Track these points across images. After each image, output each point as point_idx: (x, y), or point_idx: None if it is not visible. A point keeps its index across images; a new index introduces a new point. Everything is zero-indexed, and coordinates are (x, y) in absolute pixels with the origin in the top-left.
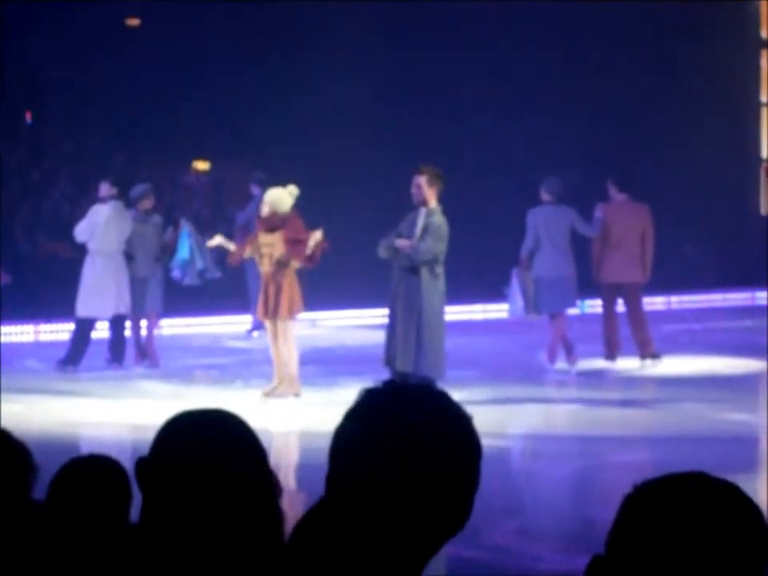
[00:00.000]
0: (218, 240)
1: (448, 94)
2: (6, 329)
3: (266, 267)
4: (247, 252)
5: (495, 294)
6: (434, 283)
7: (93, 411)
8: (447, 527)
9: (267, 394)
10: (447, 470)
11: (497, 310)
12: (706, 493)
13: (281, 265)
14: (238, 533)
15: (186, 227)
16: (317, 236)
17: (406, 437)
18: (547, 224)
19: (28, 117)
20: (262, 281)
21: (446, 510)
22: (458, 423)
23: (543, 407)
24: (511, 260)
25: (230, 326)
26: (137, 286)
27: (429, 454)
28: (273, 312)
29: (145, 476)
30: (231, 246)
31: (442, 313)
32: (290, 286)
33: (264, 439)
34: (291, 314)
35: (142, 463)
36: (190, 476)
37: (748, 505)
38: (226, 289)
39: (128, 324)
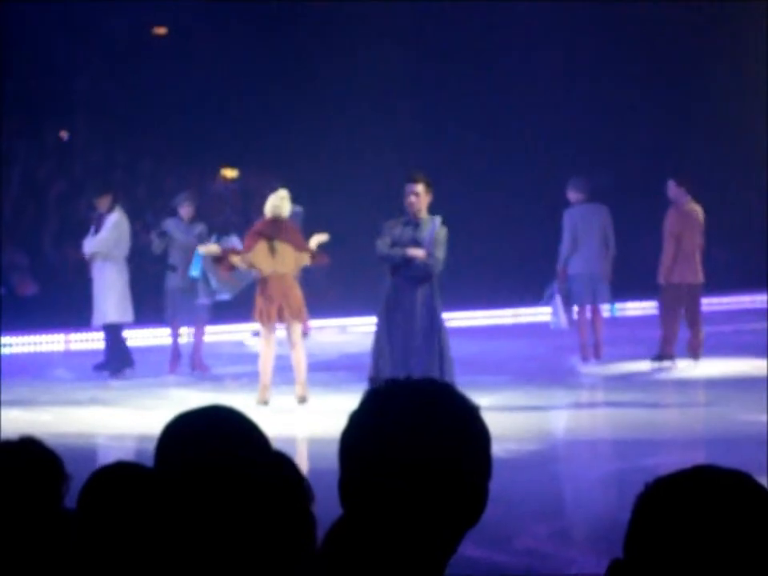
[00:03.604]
0: (212, 248)
1: (476, 100)
2: (36, 338)
3: (266, 271)
4: (245, 260)
5: (525, 298)
6: (439, 293)
7: (123, 419)
8: (463, 519)
9: (262, 401)
10: (454, 461)
11: (527, 314)
12: (716, 485)
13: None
14: (263, 538)
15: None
16: (321, 237)
17: (409, 433)
18: (584, 223)
19: (63, 135)
20: (259, 285)
21: (459, 502)
22: (463, 413)
23: (574, 410)
24: (542, 264)
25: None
26: (181, 296)
27: (433, 448)
28: (280, 317)
29: (155, 488)
30: (215, 249)
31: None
32: (297, 291)
33: (294, 446)
34: (301, 318)
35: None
36: (197, 481)
37: (759, 492)
38: (254, 296)
39: (168, 331)
